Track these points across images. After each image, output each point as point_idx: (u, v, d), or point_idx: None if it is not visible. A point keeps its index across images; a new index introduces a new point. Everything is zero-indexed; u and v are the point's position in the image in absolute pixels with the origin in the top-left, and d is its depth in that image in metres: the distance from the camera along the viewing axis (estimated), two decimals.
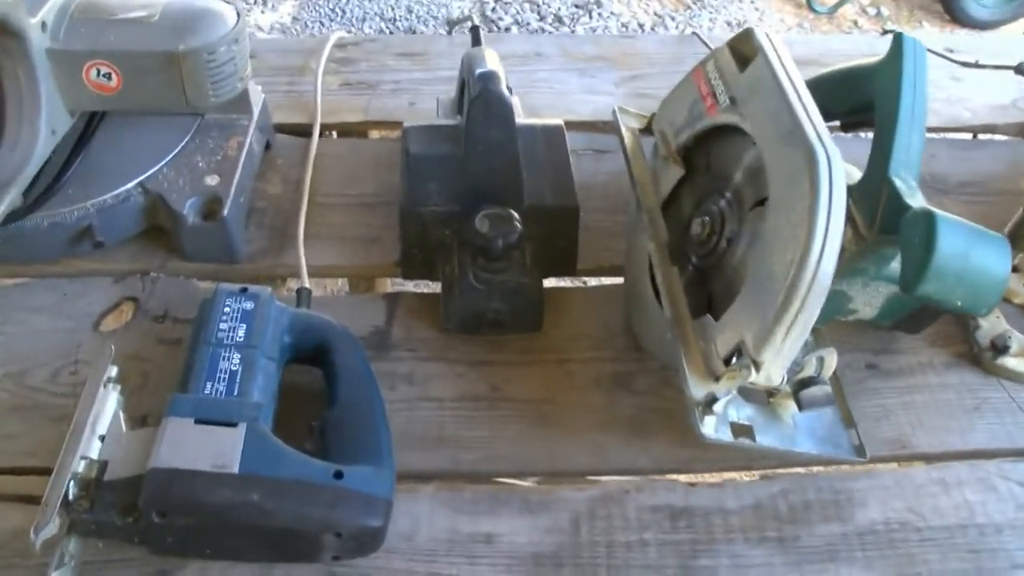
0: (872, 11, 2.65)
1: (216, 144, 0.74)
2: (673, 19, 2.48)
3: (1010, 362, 0.68)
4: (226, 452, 0.54)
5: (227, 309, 0.62)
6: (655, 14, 2.48)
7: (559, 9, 2.45)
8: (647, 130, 0.74)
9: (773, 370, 0.56)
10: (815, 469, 0.63)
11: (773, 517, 0.60)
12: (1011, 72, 0.87)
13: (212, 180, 0.71)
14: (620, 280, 0.73)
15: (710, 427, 0.57)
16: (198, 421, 0.55)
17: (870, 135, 0.64)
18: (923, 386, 0.68)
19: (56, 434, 0.61)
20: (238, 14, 0.65)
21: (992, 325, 0.70)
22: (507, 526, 0.59)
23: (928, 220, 0.55)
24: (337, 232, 0.75)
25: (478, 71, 0.67)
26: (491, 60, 0.70)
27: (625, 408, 0.66)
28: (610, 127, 0.85)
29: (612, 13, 2.44)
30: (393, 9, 2.45)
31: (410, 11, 2.44)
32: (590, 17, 2.37)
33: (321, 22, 2.36)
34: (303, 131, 0.84)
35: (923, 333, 0.70)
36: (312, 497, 0.53)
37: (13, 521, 0.58)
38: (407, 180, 0.68)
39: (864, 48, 1.00)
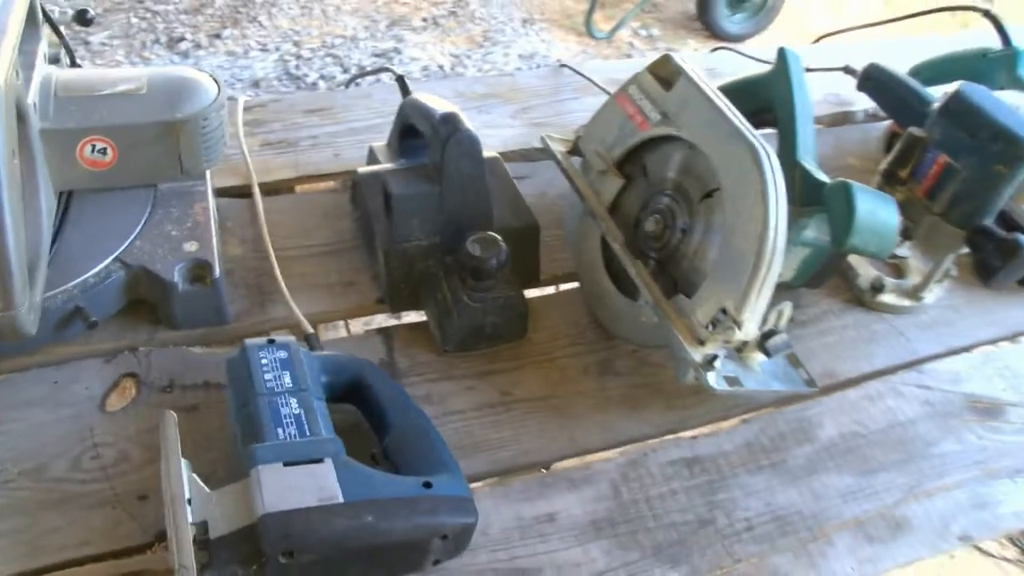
0: (643, 32, 2.96)
1: (181, 212, 0.75)
2: (470, 57, 2.63)
3: (886, 298, 0.86)
4: (326, 486, 0.57)
5: (264, 361, 0.65)
6: (451, 55, 2.62)
7: (360, 60, 2.52)
8: (573, 151, 0.85)
9: (750, 326, 0.69)
10: (779, 408, 0.76)
11: (761, 450, 0.73)
12: (826, 72, 1.04)
13: (191, 246, 0.73)
14: (574, 284, 0.83)
15: (714, 381, 0.68)
16: (287, 464, 0.58)
17: (768, 131, 0.79)
18: (829, 329, 0.84)
19: (102, 518, 0.62)
20: (216, 81, 0.68)
21: (867, 273, 0.87)
22: (561, 503, 0.67)
23: (846, 188, 0.70)
24: (310, 281, 0.79)
25: (440, 114, 0.74)
26: (442, 104, 0.77)
27: (615, 389, 0.76)
28: (518, 155, 0.96)
29: (412, 58, 2.56)
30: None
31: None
32: (391, 64, 2.46)
33: None
34: (238, 193, 0.86)
35: (821, 289, 0.86)
36: (415, 509, 0.58)
37: None
38: (390, 219, 0.74)
39: None
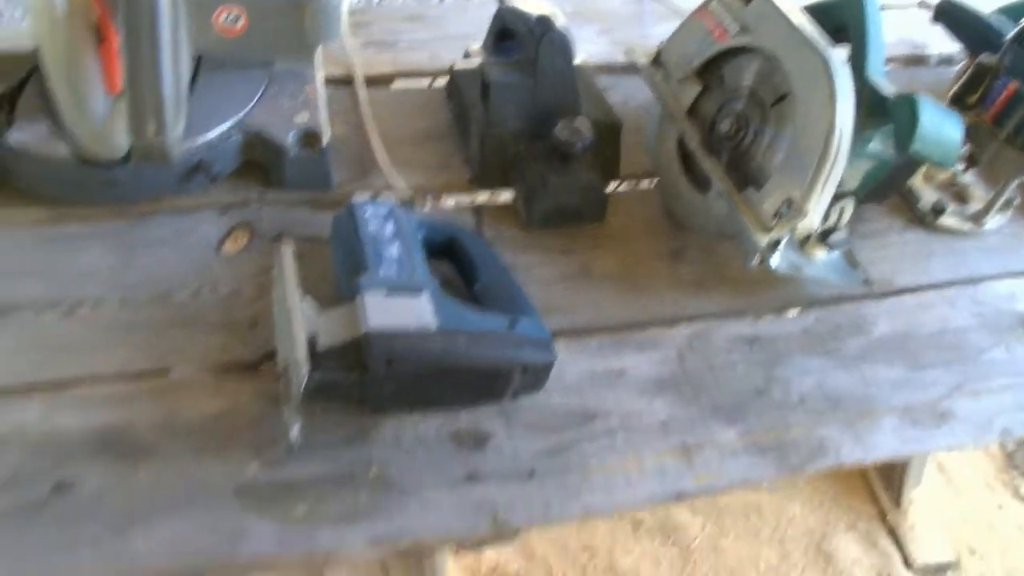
0: None
1: (294, 89, 0.83)
2: None
3: (947, 221, 0.90)
4: (423, 313, 0.64)
5: (368, 213, 0.72)
6: None
7: None
8: (654, 63, 0.90)
9: (814, 216, 0.74)
10: (836, 304, 0.81)
11: (817, 337, 0.78)
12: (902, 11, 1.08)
13: (302, 117, 0.80)
14: (648, 182, 0.89)
15: (778, 261, 0.73)
16: (389, 292, 0.65)
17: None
18: (889, 243, 0.89)
19: (218, 339, 0.70)
20: None
21: (929, 196, 0.91)
22: (631, 362, 0.73)
23: (911, 98, 0.75)
24: (406, 160, 0.86)
25: (536, 15, 0.81)
26: (539, 6, 0.84)
27: (686, 274, 0.81)
28: (603, 69, 1.01)
29: None
30: None
31: None
32: None
33: None
34: (341, 81, 0.94)
35: (882, 208, 0.91)
36: (502, 341, 0.65)
37: (216, 406, 0.65)
38: (487, 106, 0.81)
39: None
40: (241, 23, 0.72)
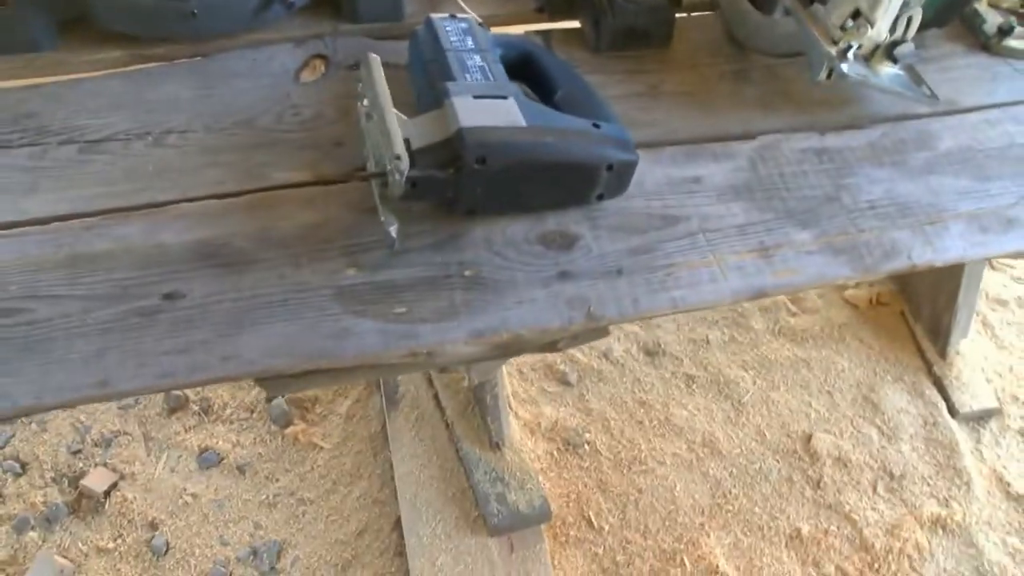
0: None
1: None
2: None
3: (1012, 43, 0.90)
4: (511, 113, 0.66)
5: (448, 28, 0.73)
6: None
7: None
8: None
9: (882, 25, 0.74)
10: (901, 121, 0.82)
11: (884, 151, 0.79)
12: None
13: None
14: (707, 13, 0.89)
15: (847, 68, 0.74)
16: (475, 97, 0.67)
17: None
18: (953, 67, 0.89)
19: (305, 157, 0.72)
20: None
21: (995, 18, 0.91)
22: (705, 170, 0.74)
23: None
24: None
25: None
26: None
27: (751, 93, 0.82)
28: None
29: None
30: None
31: None
32: None
33: None
34: None
35: (944, 34, 0.91)
36: (588, 138, 0.67)
37: (309, 218, 0.68)
38: None
39: None
40: None
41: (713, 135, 0.78)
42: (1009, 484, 1.24)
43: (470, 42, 0.72)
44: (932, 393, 1.34)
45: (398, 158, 0.61)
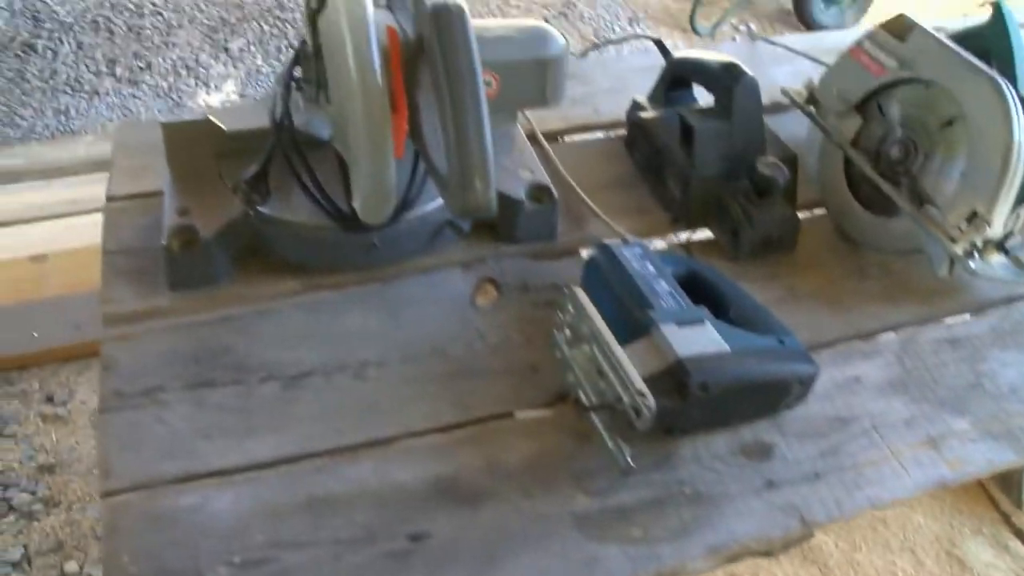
0: (742, 28, 3.16)
1: (506, 145, 0.91)
2: (584, 54, 2.79)
3: None
4: (713, 339, 0.72)
5: (627, 254, 0.80)
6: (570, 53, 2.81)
7: None
8: (809, 100, 1.00)
9: (998, 224, 0.84)
10: (1008, 304, 0.91)
11: (1006, 334, 0.88)
12: None
13: (526, 173, 0.88)
14: (819, 212, 0.99)
15: (976, 266, 0.84)
16: (678, 324, 0.73)
17: None
18: None
19: (505, 385, 0.78)
20: (563, 34, 0.83)
21: None
22: (861, 369, 0.82)
23: None
24: (607, 207, 0.94)
25: (725, 63, 0.91)
26: (714, 56, 0.94)
27: (874, 288, 0.91)
28: None
29: None
30: None
31: None
32: None
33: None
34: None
35: None
36: (779, 356, 0.74)
37: (528, 447, 0.73)
38: (692, 151, 0.89)
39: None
40: (494, 86, 0.80)
41: (855, 333, 0.86)
42: None
43: (650, 266, 0.79)
44: (1016, 545, 1.40)
45: (642, 395, 0.66)
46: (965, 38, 0.96)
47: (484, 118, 0.65)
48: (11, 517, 1.51)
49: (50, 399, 1.69)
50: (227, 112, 0.92)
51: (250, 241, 0.83)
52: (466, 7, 0.67)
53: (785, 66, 1.20)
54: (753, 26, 3.11)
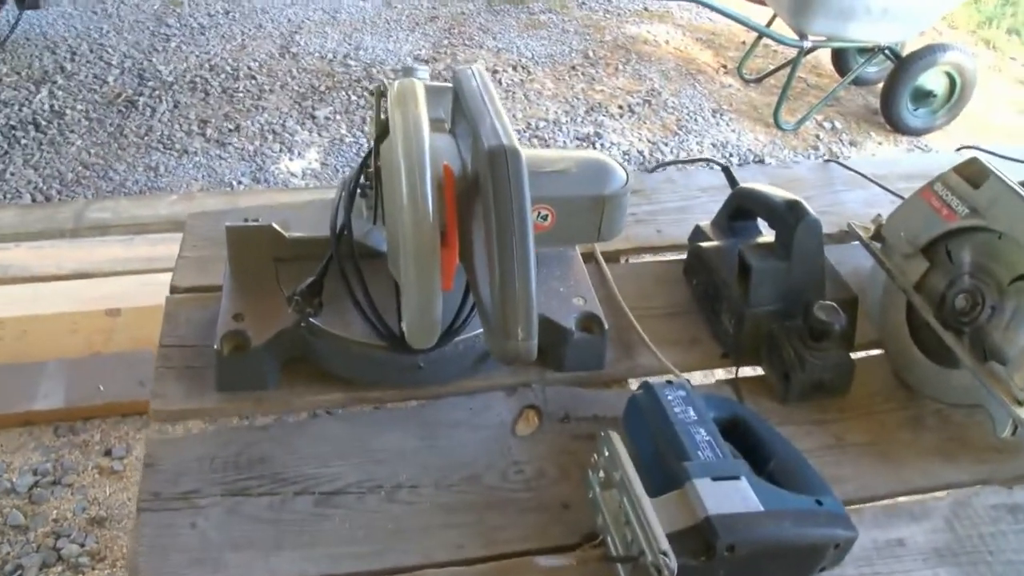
0: (827, 125, 3.15)
1: (562, 272, 0.91)
2: (666, 144, 2.84)
3: None
4: (747, 497, 0.70)
5: (670, 397, 0.78)
6: (648, 141, 2.84)
7: (564, 141, 2.79)
8: (875, 237, 0.99)
9: None
10: None
11: None
12: None
13: (579, 301, 0.88)
14: (877, 351, 0.96)
15: None
16: (714, 479, 0.71)
17: None
18: None
19: (534, 521, 0.76)
20: (624, 168, 0.84)
21: None
22: (906, 532, 0.78)
23: None
24: (658, 337, 0.93)
25: (788, 200, 0.90)
26: (777, 191, 0.93)
27: (930, 440, 0.87)
28: None
29: (612, 143, 2.79)
30: None
31: None
32: (594, 147, 2.68)
33: (350, 166, 2.49)
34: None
35: None
36: (816, 519, 0.71)
37: None
38: (747, 287, 0.88)
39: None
40: (549, 220, 0.80)
41: (904, 490, 0.82)
42: None
43: (692, 412, 0.77)
44: None
45: (665, 555, 0.65)
46: None
47: (531, 267, 0.65)
48: (59, 567, 1.55)
49: (108, 452, 1.74)
50: (293, 211, 0.94)
51: (299, 350, 0.85)
52: (522, 152, 0.68)
53: (857, 191, 1.19)
54: (838, 124, 3.10)
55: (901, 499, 0.82)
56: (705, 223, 1.01)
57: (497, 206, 0.66)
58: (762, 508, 0.70)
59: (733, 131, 3.00)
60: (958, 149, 1.32)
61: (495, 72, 3.15)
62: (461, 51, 3.25)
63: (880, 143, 3.07)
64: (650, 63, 3.40)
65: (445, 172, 0.71)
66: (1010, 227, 0.85)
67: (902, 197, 1.16)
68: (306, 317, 0.83)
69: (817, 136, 3.07)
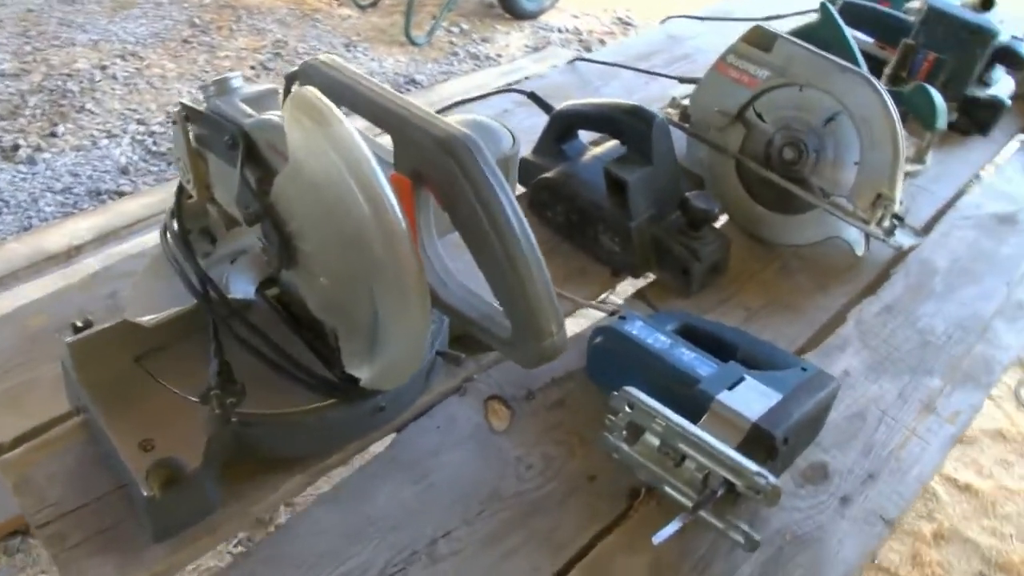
0: (455, 29, 3.18)
1: None
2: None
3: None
4: (764, 392, 0.74)
5: (634, 332, 0.78)
6: None
7: None
8: (682, 118, 1.04)
9: (899, 196, 0.94)
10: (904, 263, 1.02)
11: (916, 287, 0.98)
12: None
13: None
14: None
15: (899, 236, 0.95)
16: (729, 388, 0.73)
17: None
18: None
19: (575, 505, 0.76)
20: (510, 131, 0.79)
21: None
22: (844, 363, 0.88)
23: (925, 87, 0.97)
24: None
25: (629, 106, 0.93)
26: (604, 101, 0.94)
27: (806, 282, 0.98)
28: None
29: None
30: None
31: None
32: None
33: None
34: None
35: None
36: (817, 384, 0.76)
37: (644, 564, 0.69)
38: (626, 202, 0.89)
39: None
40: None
41: (818, 329, 0.92)
42: None
43: (661, 336, 0.78)
44: None
45: (760, 475, 0.65)
46: (807, 34, 1.04)
47: (539, 257, 0.60)
48: None
49: None
50: (81, 293, 0.78)
51: (232, 451, 0.71)
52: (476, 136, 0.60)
53: (612, 83, 1.24)
54: (465, 25, 3.18)
55: (823, 339, 0.91)
56: (527, 154, 1.00)
57: (482, 205, 0.58)
58: (780, 395, 0.73)
59: (373, 60, 2.95)
60: (662, 21, 1.43)
61: (104, 67, 2.76)
62: (54, 54, 2.78)
63: (508, 32, 3.25)
64: (263, 15, 3.21)
65: (400, 184, 0.62)
66: (810, 78, 0.95)
67: (657, 74, 1.24)
68: (232, 410, 0.69)
69: (451, 43, 3.14)
